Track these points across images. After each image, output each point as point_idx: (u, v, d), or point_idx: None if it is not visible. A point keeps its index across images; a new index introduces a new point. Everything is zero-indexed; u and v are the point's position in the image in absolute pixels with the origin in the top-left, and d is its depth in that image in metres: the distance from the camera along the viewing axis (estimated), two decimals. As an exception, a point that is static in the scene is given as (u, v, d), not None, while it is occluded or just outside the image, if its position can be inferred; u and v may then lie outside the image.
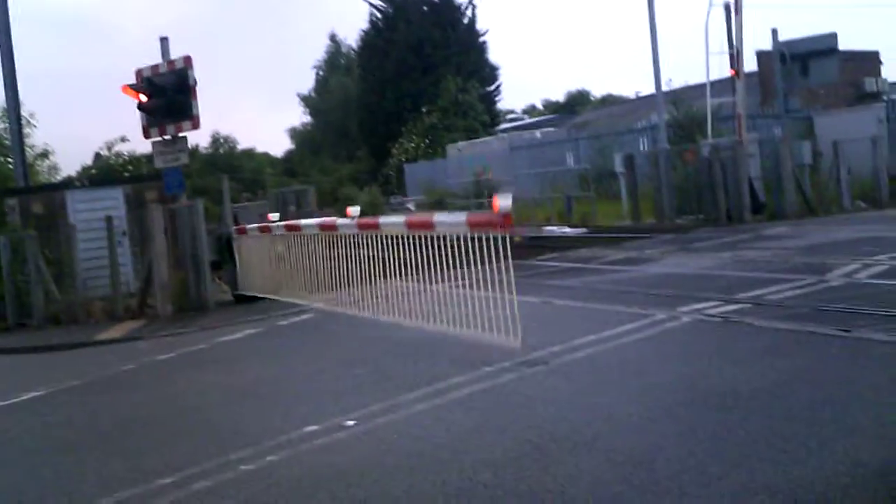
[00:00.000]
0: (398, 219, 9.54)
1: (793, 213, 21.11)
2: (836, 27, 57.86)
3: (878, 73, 43.15)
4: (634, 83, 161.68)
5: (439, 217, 8.76)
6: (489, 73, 54.82)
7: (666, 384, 6.76)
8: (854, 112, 29.97)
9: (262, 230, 13.35)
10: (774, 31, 26.72)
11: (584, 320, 9.65)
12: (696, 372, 7.07)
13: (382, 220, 10.04)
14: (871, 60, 43.27)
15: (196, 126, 14.91)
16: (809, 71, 26.08)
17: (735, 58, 23.06)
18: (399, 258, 9.16)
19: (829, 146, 23.16)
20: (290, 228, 12.13)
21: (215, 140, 56.76)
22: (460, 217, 8.32)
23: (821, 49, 26.42)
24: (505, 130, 52.93)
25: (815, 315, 8.70)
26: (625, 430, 5.70)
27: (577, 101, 76.52)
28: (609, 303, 10.63)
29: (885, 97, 36.46)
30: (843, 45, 26.74)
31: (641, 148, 29.46)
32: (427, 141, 48.13)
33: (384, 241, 9.36)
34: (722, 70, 27.00)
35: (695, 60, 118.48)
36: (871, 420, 5.36)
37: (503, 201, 7.42)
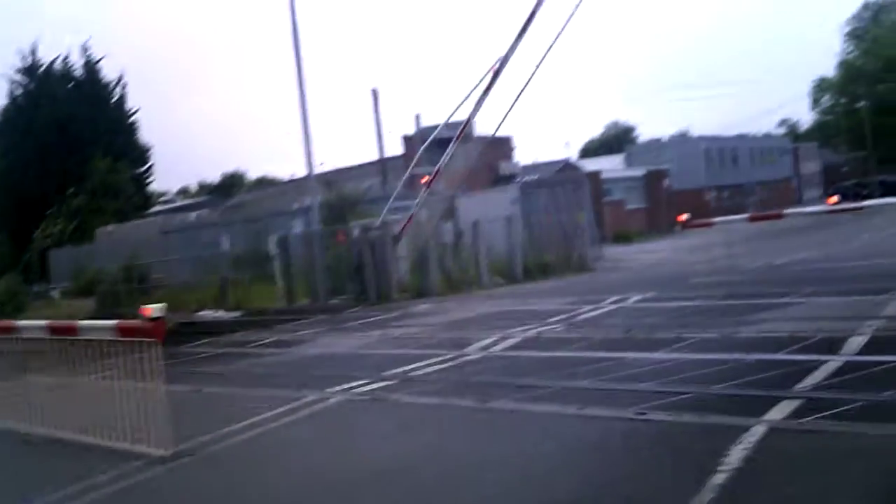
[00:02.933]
0: (39, 323, 9.01)
1: (437, 291, 22.21)
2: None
3: (511, 157, 47.04)
4: (289, 165, 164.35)
5: (86, 323, 8.48)
6: (140, 154, 53.27)
7: (315, 467, 6.85)
8: (491, 193, 32.26)
9: None
10: (417, 117, 28.39)
11: (235, 407, 9.50)
12: (343, 451, 7.24)
13: (21, 323, 9.44)
14: (505, 145, 47.12)
15: None
16: (451, 154, 27.72)
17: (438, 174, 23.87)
18: (39, 358, 8.68)
19: (470, 226, 24.70)
20: None
21: None
22: (109, 324, 8.08)
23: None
24: (158, 213, 51.50)
25: (455, 388, 9.20)
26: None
27: (233, 183, 76.34)
28: (261, 387, 10.59)
29: (517, 179, 39.71)
30: (479, 131, 28.82)
31: (296, 230, 29.78)
32: (74, 224, 45.63)
33: (23, 343, 8.87)
34: (370, 152, 28.07)
35: (346, 144, 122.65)
36: (500, 490, 5.73)
37: (154, 308, 7.29)
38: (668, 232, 42.55)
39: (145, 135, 53.93)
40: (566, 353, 10.68)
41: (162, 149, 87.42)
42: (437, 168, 23.94)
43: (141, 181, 52.43)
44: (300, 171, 61.98)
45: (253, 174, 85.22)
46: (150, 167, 54.08)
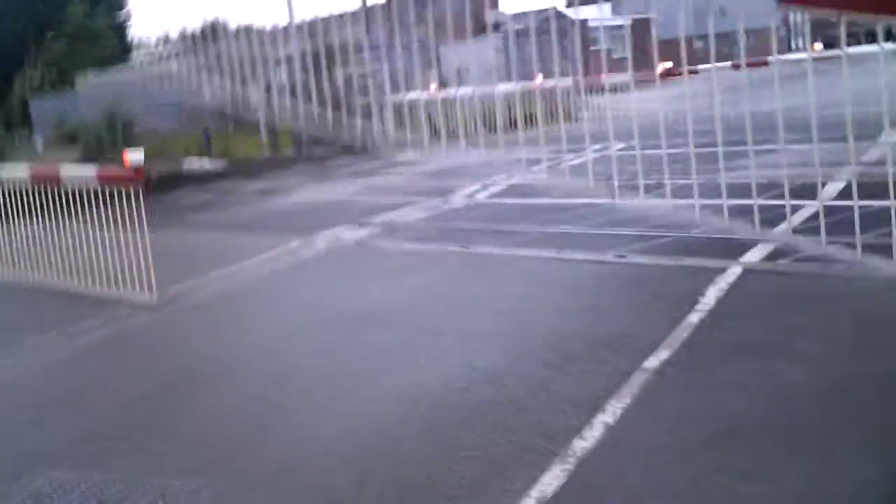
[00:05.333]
0: (21, 169, 8.98)
1: (422, 141, 22.12)
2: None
3: (497, 6, 46.07)
4: (272, 13, 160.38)
5: (68, 169, 8.45)
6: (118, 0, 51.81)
7: (302, 308, 7.02)
8: (475, 43, 31.75)
9: None
10: (401, -37, 27.42)
11: (222, 252, 9.63)
12: (330, 294, 7.40)
13: (2, 170, 9.43)
14: (491, -7, 46.02)
15: None
16: (435, 1, 27.17)
17: None
18: (23, 203, 8.70)
19: (453, 75, 24.38)
20: None
21: None
22: (90, 170, 8.07)
23: (443, -19, 27.61)
24: (138, 60, 50.48)
25: (439, 234, 9.37)
26: (261, 355, 5.89)
27: (214, 31, 74.71)
28: (247, 233, 10.74)
29: (503, 28, 39.01)
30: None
31: (279, 79, 29.34)
32: (54, 72, 44.69)
33: (5, 189, 8.88)
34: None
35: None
36: (483, 328, 5.92)
37: (134, 156, 7.28)
38: (655, 81, 42.12)
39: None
40: (549, 199, 10.81)
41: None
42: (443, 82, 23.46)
43: (121, 28, 51.11)
44: (282, 19, 60.64)
45: (235, 22, 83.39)
46: (129, 13, 52.63)
